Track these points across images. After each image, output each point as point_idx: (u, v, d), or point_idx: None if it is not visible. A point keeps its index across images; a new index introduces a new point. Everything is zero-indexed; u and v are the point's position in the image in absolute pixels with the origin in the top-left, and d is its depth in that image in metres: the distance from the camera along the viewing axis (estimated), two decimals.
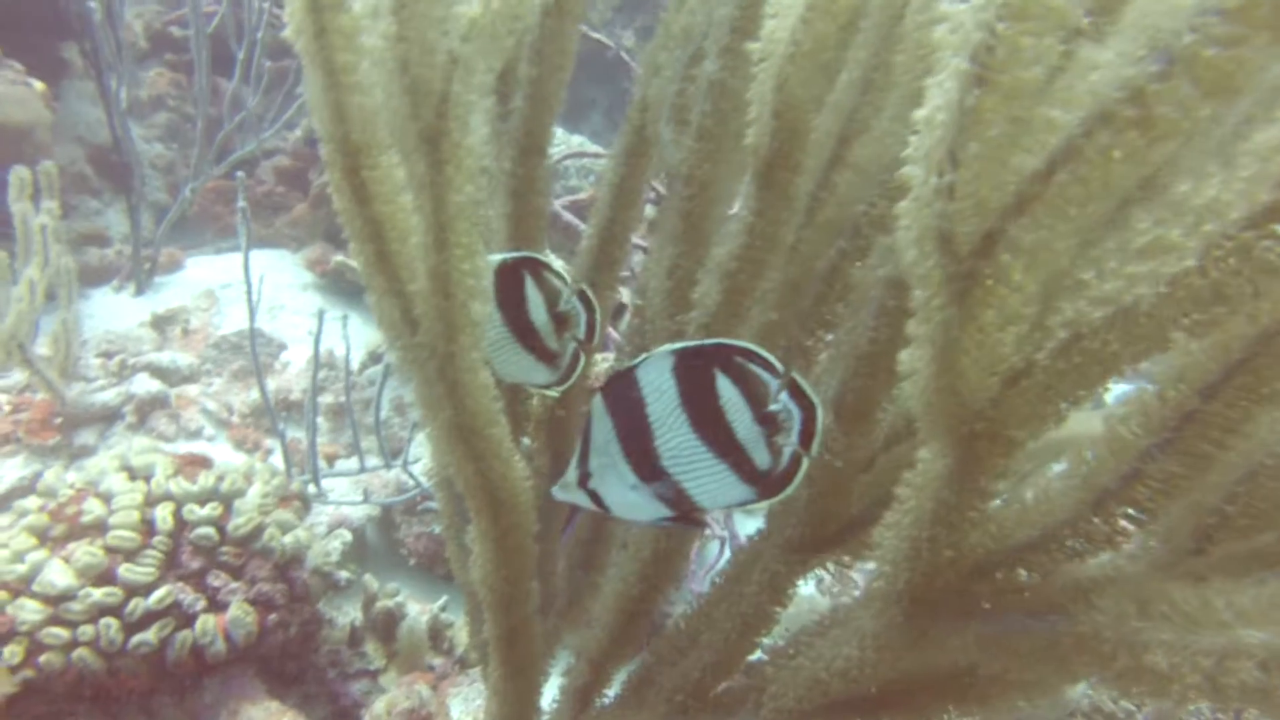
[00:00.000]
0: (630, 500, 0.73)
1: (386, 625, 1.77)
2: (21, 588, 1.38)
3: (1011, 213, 0.51)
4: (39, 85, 2.35)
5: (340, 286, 2.70)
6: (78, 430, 2.12)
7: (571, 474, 0.74)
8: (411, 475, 1.85)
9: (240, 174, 1.78)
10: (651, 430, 0.69)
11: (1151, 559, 0.64)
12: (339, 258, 2.52)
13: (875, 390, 0.80)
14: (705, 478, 0.70)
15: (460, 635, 1.83)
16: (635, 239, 1.53)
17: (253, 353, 1.69)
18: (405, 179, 0.74)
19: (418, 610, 1.81)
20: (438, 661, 1.80)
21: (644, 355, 0.70)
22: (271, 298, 2.62)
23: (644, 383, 0.69)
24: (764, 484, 0.70)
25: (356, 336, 2.13)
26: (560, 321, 0.92)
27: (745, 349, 0.68)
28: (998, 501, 0.68)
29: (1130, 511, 0.62)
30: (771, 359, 0.68)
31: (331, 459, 2.17)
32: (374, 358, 2.27)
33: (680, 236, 0.96)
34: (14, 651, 1.33)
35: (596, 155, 2.41)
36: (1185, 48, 0.43)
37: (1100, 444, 0.62)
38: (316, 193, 2.79)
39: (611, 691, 1.17)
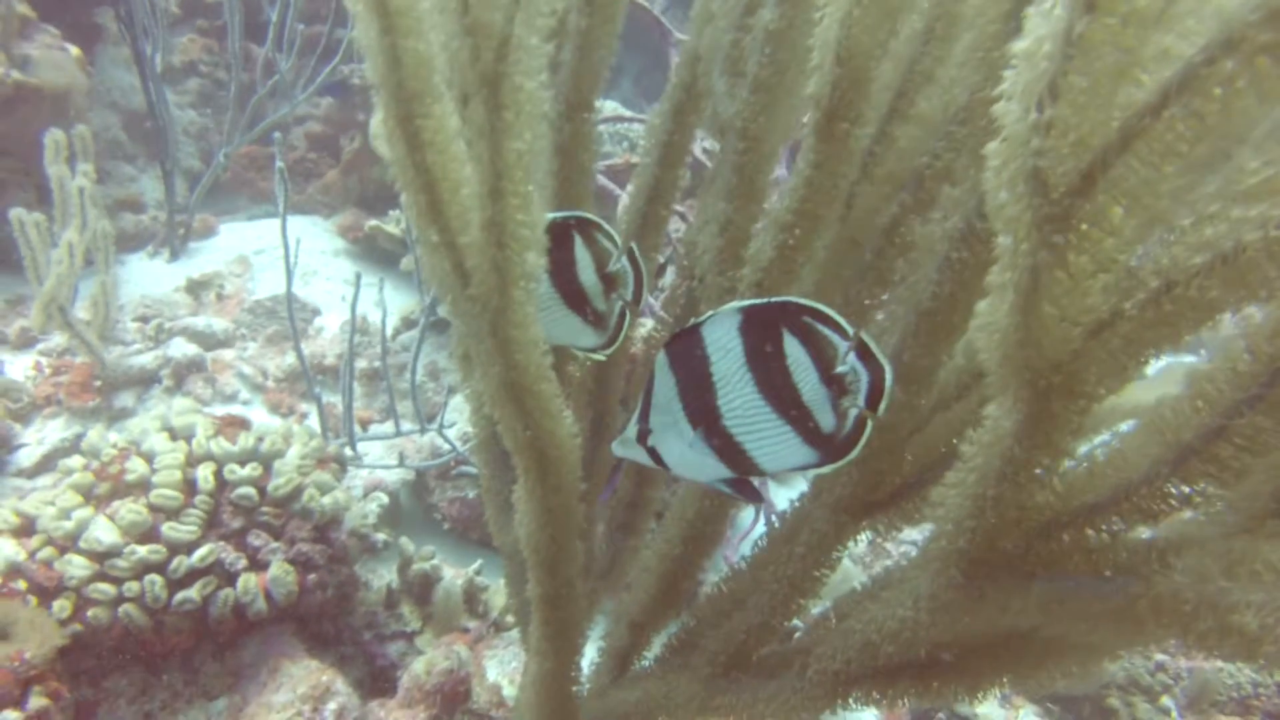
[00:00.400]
0: (690, 459, 0.71)
1: (423, 588, 1.77)
2: (68, 544, 1.39)
3: (1115, 150, 0.49)
4: (74, 50, 2.35)
5: (373, 252, 2.69)
6: (116, 393, 2.14)
7: (631, 429, 0.73)
8: (447, 439, 1.85)
9: (278, 134, 1.77)
10: (715, 388, 0.67)
11: (1231, 520, 0.61)
12: (372, 223, 2.51)
13: (935, 347, 0.78)
14: (768, 438, 0.68)
15: (495, 599, 1.84)
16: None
17: (290, 317, 1.69)
18: (458, 128, 0.72)
19: (452, 574, 1.82)
20: (472, 624, 1.81)
21: (710, 312, 0.67)
22: (305, 264, 2.63)
23: (709, 340, 0.67)
24: (827, 447, 0.68)
25: (390, 302, 2.12)
26: (609, 282, 0.89)
27: (814, 309, 0.66)
28: (1067, 460, 0.66)
29: (1210, 470, 0.60)
30: (840, 319, 0.66)
31: (365, 423, 2.17)
32: (408, 323, 2.27)
33: (734, 192, 0.94)
34: (63, 606, 1.35)
35: (632, 120, 2.37)
36: None
37: (1183, 400, 0.60)
38: (349, 159, 2.78)
39: (651, 654, 1.16)
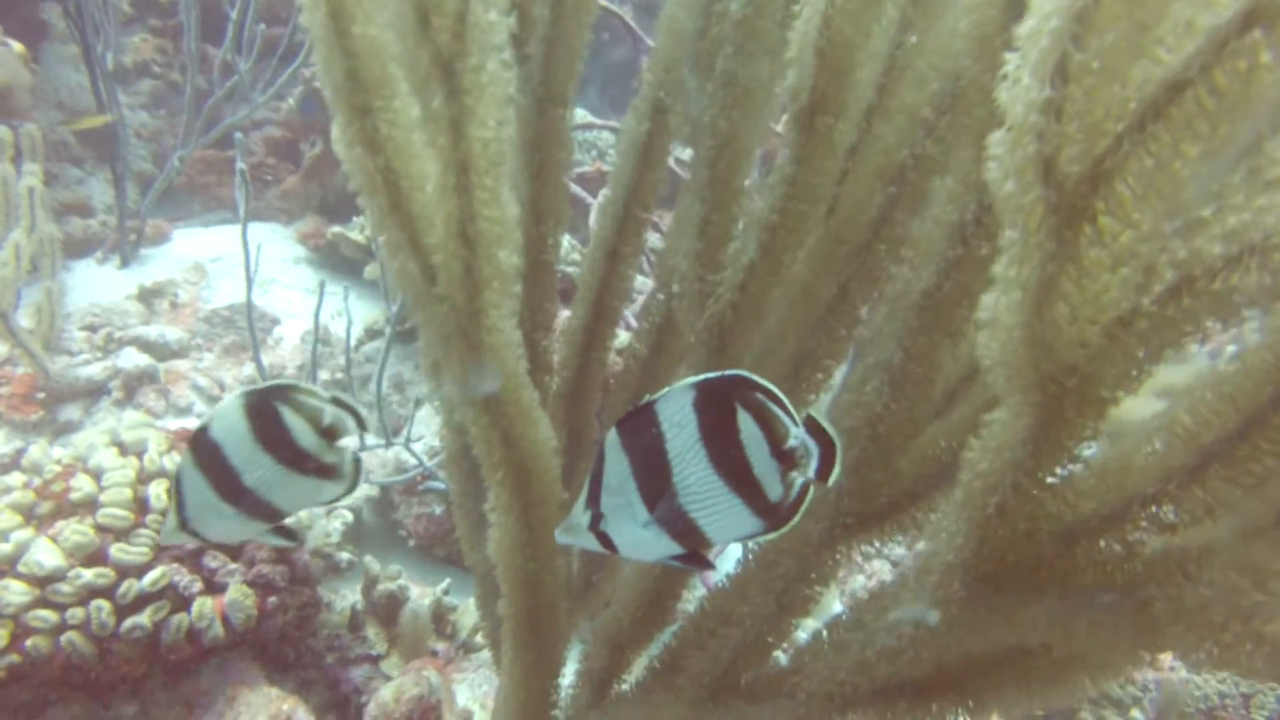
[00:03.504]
0: (641, 539, 0.70)
1: (388, 609, 1.71)
2: (6, 568, 1.31)
3: (1131, 134, 0.45)
4: (17, 46, 2.25)
5: (334, 260, 2.62)
6: (61, 405, 2.05)
7: (580, 516, 0.70)
8: (413, 453, 1.79)
9: (239, 135, 1.70)
10: (670, 466, 0.66)
11: (1253, 529, 0.58)
12: (335, 229, 2.44)
13: (931, 350, 0.75)
14: (721, 513, 0.68)
15: (464, 619, 1.78)
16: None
17: (250, 326, 1.62)
18: (417, 119, 0.67)
19: (419, 593, 1.76)
20: (441, 646, 1.75)
21: (662, 391, 0.66)
22: (264, 271, 2.54)
23: (664, 417, 0.66)
24: (774, 516, 0.68)
25: (354, 311, 2.05)
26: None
27: (764, 386, 0.65)
28: (1078, 467, 0.62)
29: (1231, 475, 0.57)
30: (786, 401, 0.65)
31: None
32: (371, 333, 2.20)
33: (709, 192, 0.89)
34: None
35: (603, 126, 2.33)
36: None
37: (1201, 402, 0.56)
38: (310, 164, 2.70)
39: (631, 677, 1.12)
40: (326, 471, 0.85)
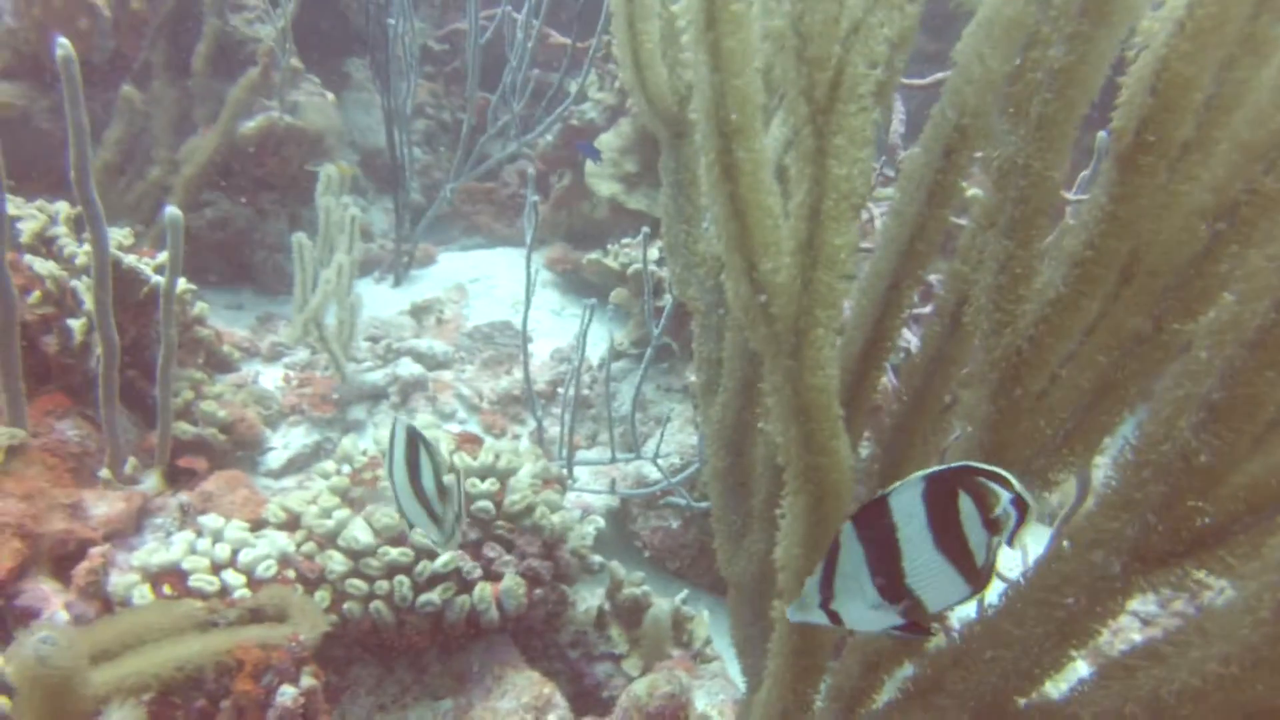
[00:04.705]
0: (868, 616, 0.79)
1: (631, 612, 1.81)
2: (328, 541, 1.51)
3: None
4: (331, 96, 2.61)
5: (578, 284, 2.81)
6: (350, 406, 2.32)
7: (812, 596, 0.79)
8: (659, 468, 1.90)
9: (531, 171, 1.89)
10: (900, 553, 0.75)
11: None
12: (592, 256, 2.62)
13: (1262, 383, 0.75)
14: (941, 586, 0.76)
15: (699, 630, 1.85)
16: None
17: (523, 346, 1.80)
18: (770, 160, 0.76)
19: (659, 601, 1.85)
20: (676, 653, 1.83)
21: (893, 485, 0.75)
22: (515, 293, 2.77)
23: (896, 508, 0.74)
24: (978, 579, 0.75)
25: (596, 334, 2.21)
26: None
27: (985, 470, 0.73)
28: None
29: None
30: (1003, 473, 0.72)
31: (574, 449, 2.26)
32: (615, 354, 2.35)
33: (1014, 230, 0.93)
34: (323, 597, 1.47)
35: None
36: None
37: None
38: (559, 195, 2.92)
39: (880, 699, 1.14)
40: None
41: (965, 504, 0.74)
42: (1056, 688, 1.01)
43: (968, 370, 1.05)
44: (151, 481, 1.72)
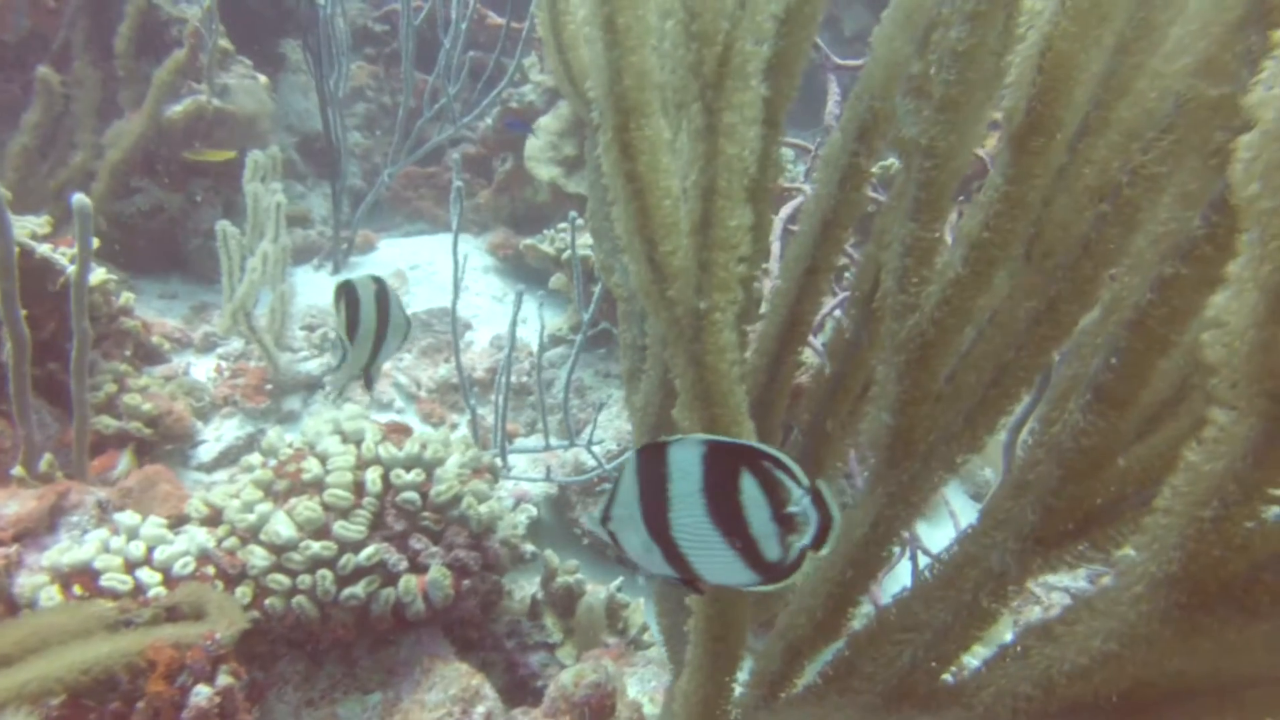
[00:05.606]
0: (643, 554, 0.79)
1: (565, 601, 1.80)
2: (250, 536, 1.48)
3: None
4: (263, 79, 2.55)
5: (520, 270, 2.78)
6: (285, 397, 2.28)
7: (598, 511, 0.80)
8: (594, 455, 1.88)
9: (457, 156, 1.86)
10: (669, 504, 0.74)
11: None
12: (527, 241, 2.59)
13: (1141, 365, 0.75)
14: (714, 558, 0.75)
15: (634, 617, 1.85)
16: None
17: (453, 332, 1.77)
18: (668, 140, 0.75)
19: (592, 589, 1.84)
20: (612, 641, 1.83)
21: (678, 436, 0.75)
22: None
23: (672, 461, 0.74)
24: (771, 572, 0.74)
25: (538, 319, 2.19)
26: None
27: (774, 456, 0.72)
28: None
29: None
30: (797, 469, 0.72)
31: (511, 437, 2.23)
32: (554, 340, 2.33)
33: (920, 211, 0.93)
34: (244, 593, 1.44)
35: (793, 145, 2.37)
36: None
37: None
38: (501, 180, 2.88)
39: (801, 682, 1.14)
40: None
41: (749, 485, 0.73)
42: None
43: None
44: (124, 464, 1.72)
